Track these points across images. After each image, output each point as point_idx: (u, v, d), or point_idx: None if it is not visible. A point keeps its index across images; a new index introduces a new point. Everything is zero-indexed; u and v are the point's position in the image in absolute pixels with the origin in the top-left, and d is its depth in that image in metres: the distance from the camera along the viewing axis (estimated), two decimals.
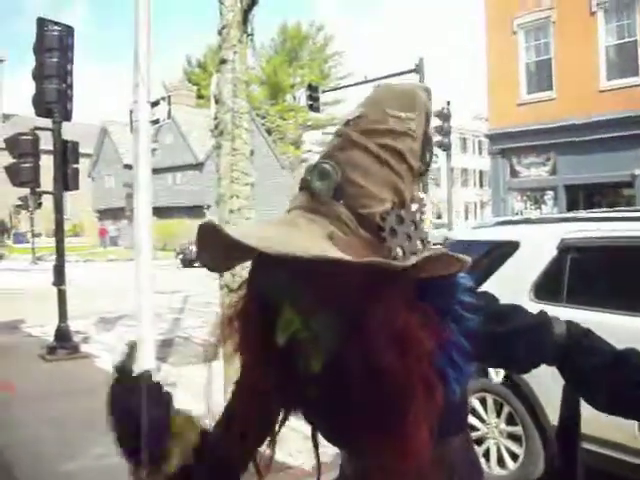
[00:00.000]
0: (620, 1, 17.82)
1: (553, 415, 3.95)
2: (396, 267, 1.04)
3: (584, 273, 4.28)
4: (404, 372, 1.07)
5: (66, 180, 9.49)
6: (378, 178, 1.11)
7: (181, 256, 33.51)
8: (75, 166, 9.72)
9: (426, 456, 1.08)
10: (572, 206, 17.54)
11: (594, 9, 18.14)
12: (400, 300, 1.08)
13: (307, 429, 1.40)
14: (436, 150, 20.66)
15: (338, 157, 1.13)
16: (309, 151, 63.15)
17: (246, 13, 5.25)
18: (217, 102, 5.22)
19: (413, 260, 1.05)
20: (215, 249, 1.15)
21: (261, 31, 70.02)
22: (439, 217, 39.90)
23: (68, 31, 9.32)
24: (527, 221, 5.13)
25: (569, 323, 1.27)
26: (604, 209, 5.95)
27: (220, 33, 5.22)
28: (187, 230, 41.00)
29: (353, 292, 1.07)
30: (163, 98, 9.03)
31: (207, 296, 14.77)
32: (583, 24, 18.25)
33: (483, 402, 4.71)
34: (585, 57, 17.82)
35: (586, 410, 1.29)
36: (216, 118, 5.20)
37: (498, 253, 4.51)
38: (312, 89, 23.42)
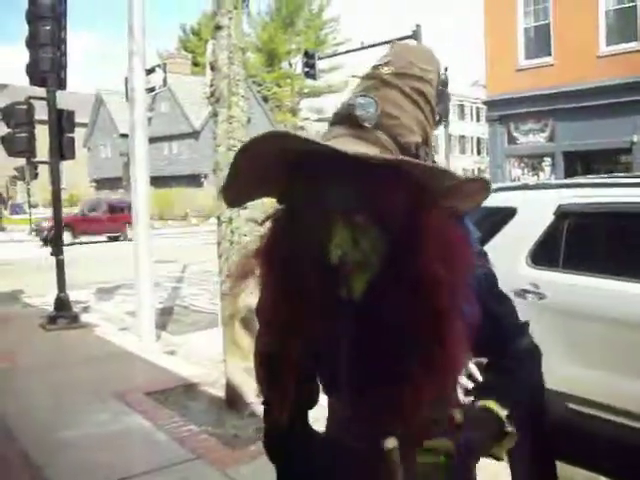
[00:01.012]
0: None
1: (547, 377, 3.98)
2: (440, 173, 1.13)
3: (581, 239, 4.29)
4: (451, 286, 1.13)
5: (62, 149, 9.43)
6: (410, 114, 1.20)
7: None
8: (70, 135, 9.65)
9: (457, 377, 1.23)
10: (570, 173, 17.49)
11: None
12: (447, 216, 1.19)
13: None
14: None
15: (374, 94, 1.20)
16: (306, 119, 62.75)
17: None
18: (213, 69, 5.17)
19: (453, 171, 1.16)
20: (256, 170, 1.17)
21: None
22: None
23: None
24: (524, 187, 5.12)
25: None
26: (601, 175, 5.94)
27: None
28: (184, 199, 40.99)
29: (405, 206, 1.15)
30: (158, 66, 8.96)
31: (205, 265, 14.82)
32: None
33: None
34: (584, 22, 17.62)
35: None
36: (212, 85, 5.16)
37: (495, 219, 4.50)
38: (308, 56, 23.20)
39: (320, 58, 25.25)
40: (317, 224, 1.16)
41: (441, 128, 22.00)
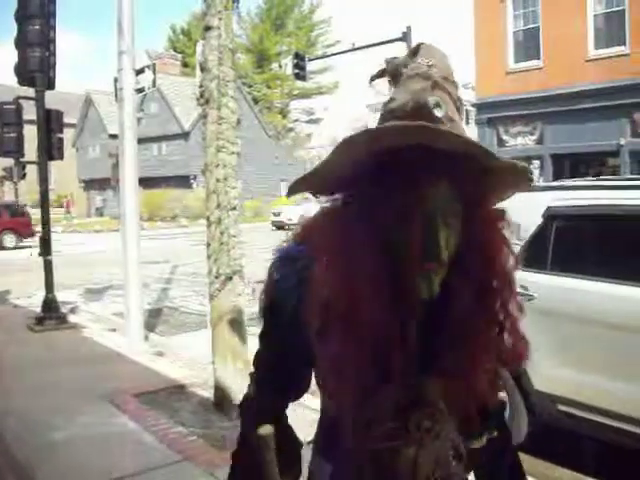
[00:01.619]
0: None
1: (535, 379, 4.01)
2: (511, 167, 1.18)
3: (569, 241, 4.32)
4: (508, 280, 1.22)
5: (50, 150, 9.39)
6: (458, 119, 1.19)
7: None
8: (59, 135, 9.60)
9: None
10: (558, 175, 17.57)
11: None
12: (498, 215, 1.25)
13: None
14: None
15: (435, 95, 1.17)
16: (296, 120, 62.79)
17: None
18: (202, 70, 5.16)
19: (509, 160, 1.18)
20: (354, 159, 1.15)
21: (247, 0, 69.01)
22: None
23: None
24: None
25: None
26: (589, 178, 5.96)
27: None
28: (173, 200, 40.88)
29: (480, 200, 1.20)
30: (148, 66, 8.90)
31: (194, 266, 14.79)
32: None
33: None
34: (573, 26, 17.72)
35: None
36: (201, 86, 5.15)
37: None
38: (298, 57, 23.19)
39: (310, 60, 25.27)
40: (422, 224, 1.13)
41: None
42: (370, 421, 1.24)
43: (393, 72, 1.25)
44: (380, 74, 1.36)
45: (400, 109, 1.15)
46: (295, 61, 23.05)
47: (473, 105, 22.09)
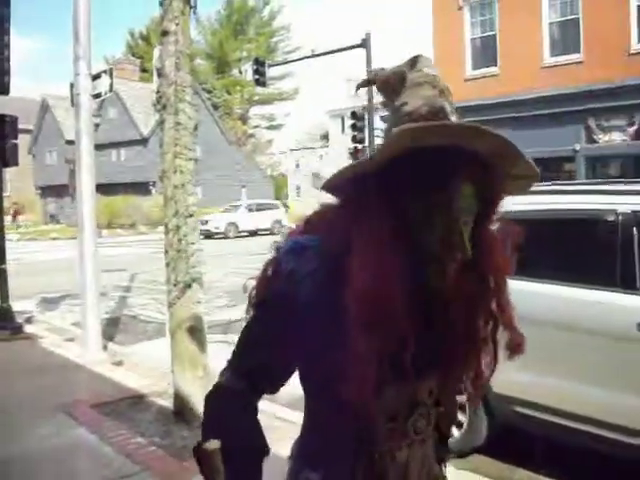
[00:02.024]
0: None
1: (494, 382, 4.04)
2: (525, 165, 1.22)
3: (527, 245, 4.36)
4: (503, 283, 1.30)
5: (4, 156, 9.20)
6: None
7: None
8: (14, 141, 9.42)
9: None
10: None
11: None
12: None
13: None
14: (383, 125, 20.71)
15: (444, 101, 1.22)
16: (256, 126, 62.68)
17: None
18: (160, 75, 5.12)
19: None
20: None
21: (207, 3, 68.80)
22: None
23: (3, 1, 8.98)
24: None
25: None
26: (546, 183, 6.04)
27: (162, 4, 5.09)
28: (132, 207, 40.41)
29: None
30: (105, 71, 8.79)
31: (153, 274, 14.62)
32: (527, 1, 18.45)
33: None
34: (529, 33, 18.04)
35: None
36: (159, 92, 5.10)
37: None
38: (258, 63, 23.15)
39: (270, 65, 25.26)
40: (449, 223, 1.17)
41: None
42: (368, 423, 1.25)
43: (398, 80, 1.27)
44: (366, 83, 1.40)
45: (416, 112, 1.18)
46: (255, 67, 23.01)
47: None
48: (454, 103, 1.25)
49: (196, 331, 5.08)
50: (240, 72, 59.39)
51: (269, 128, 64.38)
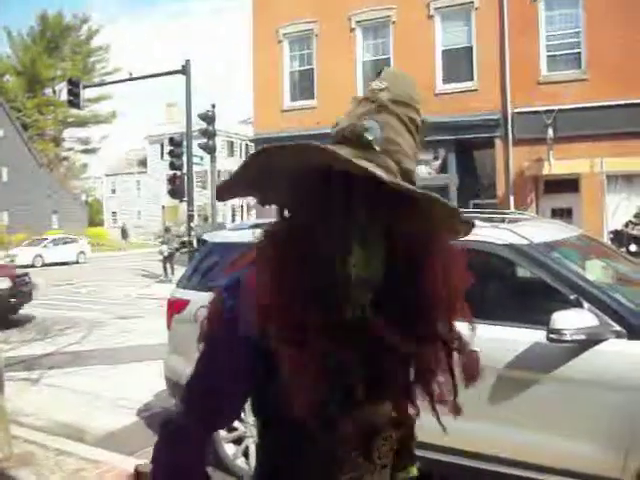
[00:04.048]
0: (376, 21, 19.18)
1: None
2: (451, 212, 1.23)
3: None
4: (449, 302, 1.29)
5: None
6: (407, 142, 1.24)
7: None
8: None
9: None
10: None
11: (353, 25, 19.33)
12: (444, 241, 1.32)
13: None
14: (201, 152, 20.63)
15: (377, 119, 1.21)
16: (70, 149, 59.91)
17: None
18: None
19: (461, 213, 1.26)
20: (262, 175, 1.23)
21: (21, 17, 65.15)
22: (205, 219, 39.74)
23: None
24: None
25: None
26: None
27: None
28: None
29: (414, 229, 1.25)
30: None
31: None
32: (343, 39, 19.36)
33: None
34: (343, 69, 18.88)
35: None
36: None
37: None
38: (72, 84, 22.13)
39: (86, 87, 24.27)
40: (334, 240, 1.19)
41: (208, 163, 22.12)
42: (334, 452, 1.26)
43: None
44: None
45: (340, 134, 1.23)
46: (69, 87, 22.01)
47: (251, 140, 22.60)
48: (412, 116, 1.26)
49: None
50: (54, 92, 56.75)
51: (84, 152, 61.78)
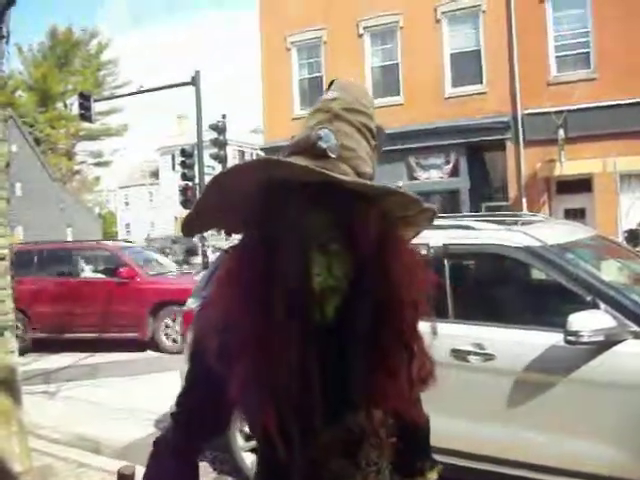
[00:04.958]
0: (384, 27, 19.21)
1: None
2: (412, 202, 1.27)
3: None
4: (414, 305, 1.29)
5: None
6: (362, 147, 1.26)
7: None
8: None
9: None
10: None
11: (361, 32, 19.38)
12: (406, 243, 1.35)
13: None
14: (212, 162, 20.71)
15: (330, 127, 1.23)
16: (83, 162, 60.28)
17: (0, 14, 4.86)
18: None
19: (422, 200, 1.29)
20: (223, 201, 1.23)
21: (31, 32, 65.75)
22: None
23: None
24: None
25: None
26: None
27: None
28: None
29: (374, 233, 1.22)
30: None
31: None
32: (352, 45, 19.40)
33: None
34: (353, 76, 18.83)
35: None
36: None
37: None
38: (83, 97, 22.31)
39: (96, 100, 24.46)
40: (293, 252, 1.19)
41: (219, 170, 22.18)
42: (317, 461, 1.26)
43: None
44: None
45: (294, 144, 1.25)
46: (80, 101, 22.19)
47: (261, 149, 22.68)
48: (365, 122, 1.28)
49: (8, 382, 4.71)
50: (65, 106, 57.14)
51: (97, 165, 62.09)
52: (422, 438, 1.55)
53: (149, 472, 1.39)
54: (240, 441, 4.72)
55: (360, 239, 1.22)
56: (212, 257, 16.49)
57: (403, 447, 1.42)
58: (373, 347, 1.25)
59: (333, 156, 1.19)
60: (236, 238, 1.35)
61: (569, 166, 16.25)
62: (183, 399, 1.41)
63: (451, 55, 18.39)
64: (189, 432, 1.37)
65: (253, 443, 4.76)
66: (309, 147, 1.21)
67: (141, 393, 7.96)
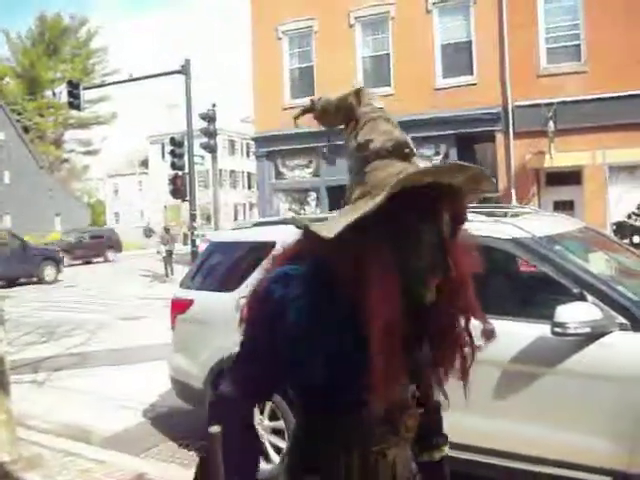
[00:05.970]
0: (375, 17, 19.15)
1: None
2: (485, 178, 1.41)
3: None
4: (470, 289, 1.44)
5: None
6: None
7: None
8: None
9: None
10: (334, 206, 18.43)
11: (352, 22, 19.30)
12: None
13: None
14: (203, 152, 20.65)
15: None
16: (71, 151, 59.92)
17: None
18: None
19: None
20: None
21: (19, 19, 65.11)
22: (208, 218, 39.76)
23: None
24: (284, 221, 5.09)
25: None
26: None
27: None
28: None
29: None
30: None
31: None
32: (342, 35, 19.32)
33: None
34: (344, 66, 18.83)
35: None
36: None
37: (256, 254, 4.46)
38: (72, 85, 22.17)
39: (86, 88, 24.27)
40: (427, 245, 1.32)
41: (209, 162, 22.12)
42: (368, 426, 1.39)
43: (346, 112, 1.48)
44: (304, 112, 1.64)
45: (383, 149, 1.33)
46: (69, 89, 22.04)
47: (252, 139, 22.59)
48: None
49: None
50: (54, 94, 56.71)
51: (85, 153, 61.75)
52: (439, 417, 1.70)
53: (228, 444, 1.34)
54: (265, 421, 4.70)
55: (458, 225, 1.41)
56: (201, 246, 16.45)
57: (426, 422, 1.56)
58: (449, 324, 1.42)
59: (415, 157, 1.35)
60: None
61: (559, 158, 16.28)
62: (240, 354, 1.47)
63: (442, 46, 18.33)
64: (245, 384, 1.43)
65: (279, 422, 4.70)
66: (401, 151, 1.34)
67: (129, 382, 7.95)
